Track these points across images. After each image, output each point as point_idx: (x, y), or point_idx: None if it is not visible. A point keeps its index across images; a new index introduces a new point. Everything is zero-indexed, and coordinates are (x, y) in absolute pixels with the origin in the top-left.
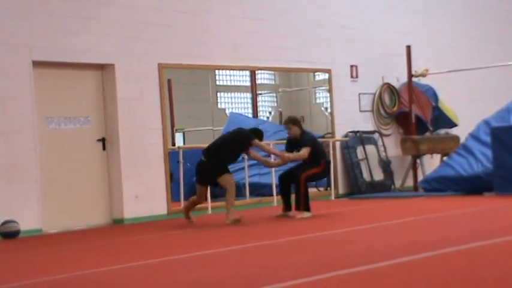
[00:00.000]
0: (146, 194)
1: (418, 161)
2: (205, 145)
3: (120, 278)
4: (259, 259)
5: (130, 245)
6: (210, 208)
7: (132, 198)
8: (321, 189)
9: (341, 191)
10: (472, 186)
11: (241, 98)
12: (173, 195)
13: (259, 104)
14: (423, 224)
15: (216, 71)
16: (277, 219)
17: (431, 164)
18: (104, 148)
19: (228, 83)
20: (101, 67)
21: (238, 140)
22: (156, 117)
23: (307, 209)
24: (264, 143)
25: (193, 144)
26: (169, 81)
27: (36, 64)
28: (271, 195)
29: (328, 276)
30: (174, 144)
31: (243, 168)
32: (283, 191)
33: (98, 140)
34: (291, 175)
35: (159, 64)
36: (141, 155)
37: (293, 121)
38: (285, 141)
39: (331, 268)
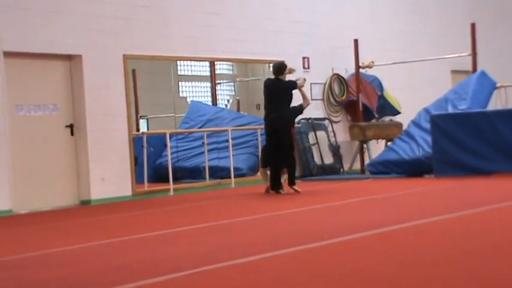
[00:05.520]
0: (112, 176)
1: (364, 145)
2: (168, 131)
3: (85, 255)
4: (217, 237)
5: (96, 225)
6: (172, 190)
7: (98, 181)
8: None
9: None
10: (413, 169)
11: (201, 87)
12: (137, 177)
13: (218, 92)
14: (370, 204)
15: (178, 62)
16: (241, 198)
17: (376, 148)
18: (72, 134)
19: (189, 73)
20: (69, 58)
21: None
22: (121, 104)
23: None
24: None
25: (157, 130)
26: (133, 71)
27: (7, 55)
28: (229, 177)
29: (280, 253)
30: (138, 130)
31: (203, 152)
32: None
33: (67, 126)
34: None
35: (123, 55)
36: (107, 140)
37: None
38: (241, 127)
39: (284, 245)
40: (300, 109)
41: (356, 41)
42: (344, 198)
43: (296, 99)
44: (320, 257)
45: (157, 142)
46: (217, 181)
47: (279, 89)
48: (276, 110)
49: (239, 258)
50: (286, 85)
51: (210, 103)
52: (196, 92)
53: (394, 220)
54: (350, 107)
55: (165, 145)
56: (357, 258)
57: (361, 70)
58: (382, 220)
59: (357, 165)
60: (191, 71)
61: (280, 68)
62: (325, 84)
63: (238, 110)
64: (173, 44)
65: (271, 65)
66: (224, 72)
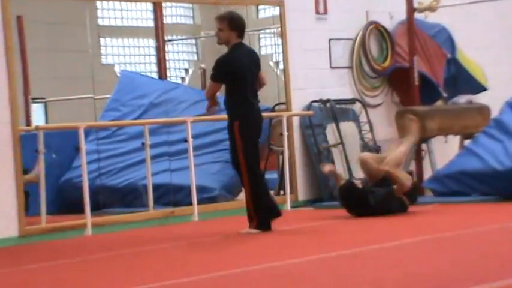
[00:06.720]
0: None
1: (424, 146)
2: (83, 124)
3: None
4: None
5: None
6: (89, 226)
7: None
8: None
9: (301, 196)
10: (510, 186)
11: (139, 47)
12: (29, 206)
13: (169, 56)
14: (429, 249)
15: (98, 4)
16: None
17: (445, 151)
18: None
19: (118, 23)
20: None
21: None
22: None
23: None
24: None
25: (61, 124)
26: (19, 18)
27: None
28: (190, 204)
29: None
30: (29, 123)
31: (143, 161)
32: None
33: None
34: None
35: None
36: None
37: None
38: (209, 117)
39: None
40: None
41: None
42: (386, 239)
43: None
44: None
45: (64, 143)
46: (169, 210)
47: (254, 61)
48: (256, 96)
49: None
50: (257, 55)
51: (154, 75)
52: (130, 57)
53: (476, 275)
54: (398, 80)
55: (77, 149)
56: None
57: (417, 15)
58: (455, 275)
59: None
60: (121, 19)
61: (243, 25)
62: (354, 40)
63: (204, 87)
64: None
65: (261, 8)
66: (180, 21)
